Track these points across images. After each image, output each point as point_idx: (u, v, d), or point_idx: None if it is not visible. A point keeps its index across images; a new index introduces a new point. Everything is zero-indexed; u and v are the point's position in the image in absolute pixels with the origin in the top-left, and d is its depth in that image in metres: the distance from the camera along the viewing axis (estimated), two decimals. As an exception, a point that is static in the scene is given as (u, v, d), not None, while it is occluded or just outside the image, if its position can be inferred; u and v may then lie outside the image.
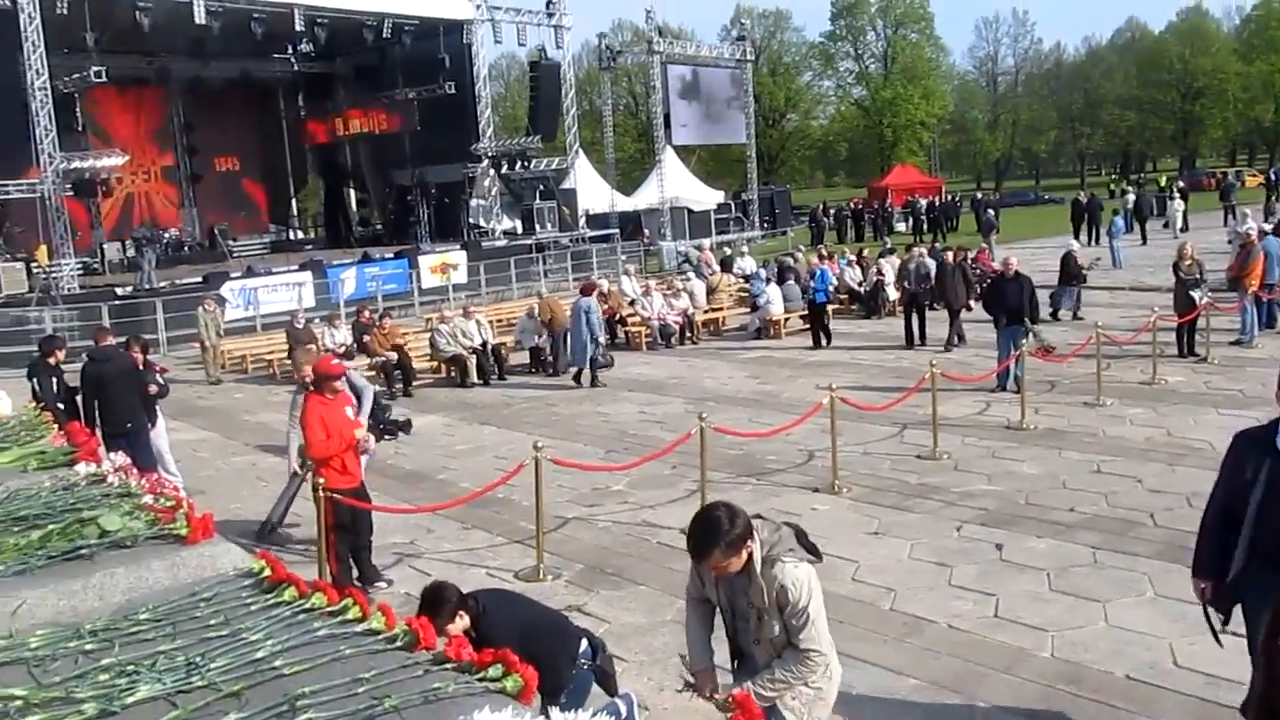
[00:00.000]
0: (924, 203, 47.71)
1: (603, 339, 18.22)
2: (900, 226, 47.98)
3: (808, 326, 21.20)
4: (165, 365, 15.48)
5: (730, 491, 10.35)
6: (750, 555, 3.93)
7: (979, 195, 57.80)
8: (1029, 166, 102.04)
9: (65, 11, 25.99)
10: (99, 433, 10.29)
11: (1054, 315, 19.69)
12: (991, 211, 37.42)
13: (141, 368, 11.51)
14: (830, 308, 22.21)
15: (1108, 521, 8.76)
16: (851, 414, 11.70)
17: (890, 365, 17.03)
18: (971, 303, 18.18)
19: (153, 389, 11.42)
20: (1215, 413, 12.24)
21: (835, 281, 23.60)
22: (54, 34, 26.26)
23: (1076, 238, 29.64)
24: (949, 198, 52.88)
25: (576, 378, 17.48)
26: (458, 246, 33.12)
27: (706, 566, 4.00)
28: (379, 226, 40.89)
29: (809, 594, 3.96)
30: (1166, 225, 36.34)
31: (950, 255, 19.31)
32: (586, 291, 18.63)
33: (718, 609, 4.24)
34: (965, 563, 8.08)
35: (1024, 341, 13.78)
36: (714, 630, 4.33)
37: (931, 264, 19.72)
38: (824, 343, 19.59)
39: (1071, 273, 20.27)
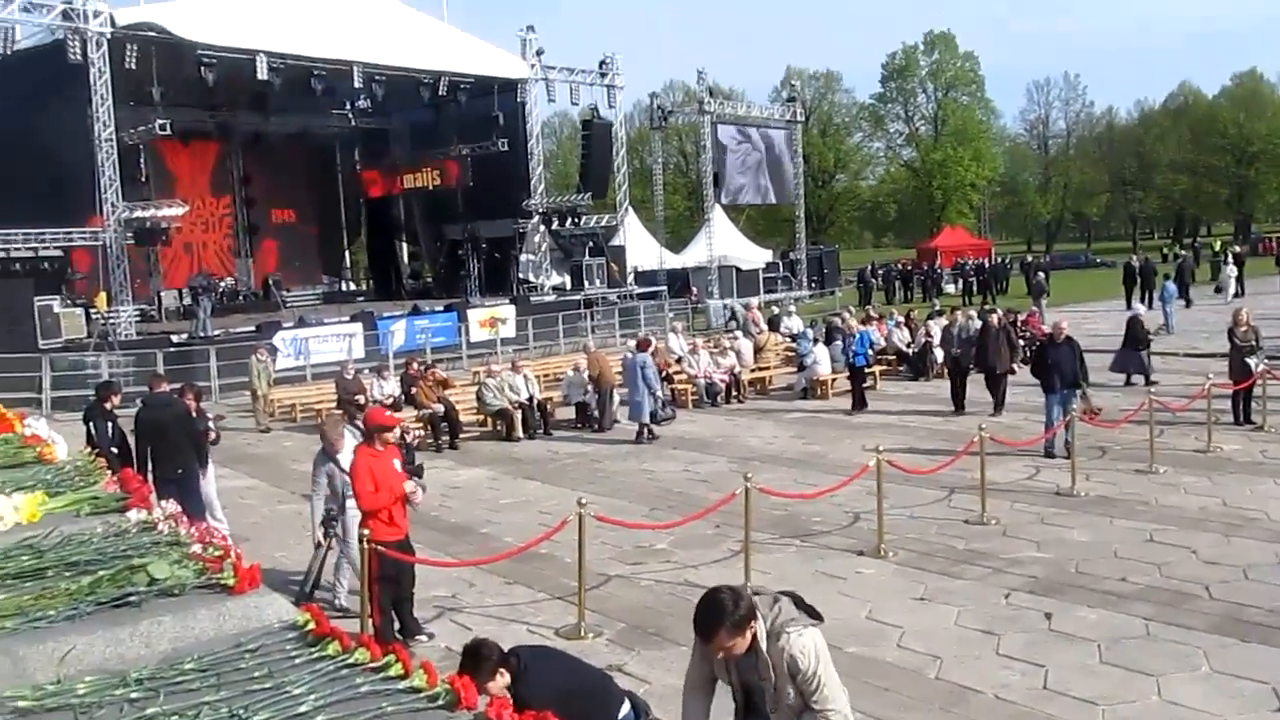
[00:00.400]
0: (973, 264, 47.50)
1: (660, 392, 18.18)
2: (949, 288, 47.76)
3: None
4: (219, 412, 15.70)
5: (775, 553, 10.28)
6: (754, 634, 4.06)
7: (1029, 258, 57.44)
8: (1080, 229, 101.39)
9: (133, 66, 26.82)
10: (150, 477, 10.45)
11: (1127, 381, 19.52)
12: (1042, 274, 37.14)
13: (194, 414, 11.68)
14: (877, 369, 22.16)
15: (1161, 593, 8.57)
16: (898, 476, 11.57)
17: (938, 428, 16.87)
18: (1016, 366, 17.87)
19: (210, 435, 11.60)
20: (1272, 482, 11.98)
21: (882, 342, 23.54)
22: (121, 87, 27.07)
23: (1130, 302, 29.37)
24: (999, 260, 52.63)
25: (639, 435, 17.30)
26: (507, 301, 33.42)
27: (713, 648, 4.13)
28: (429, 280, 41.41)
29: (817, 659, 4.10)
30: (1219, 290, 35.88)
31: (994, 318, 18.81)
32: (642, 347, 18.61)
33: (726, 687, 4.38)
34: (1013, 631, 7.92)
35: (1073, 406, 13.61)
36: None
37: (977, 326, 19.54)
38: (851, 407, 19.17)
39: (1138, 337, 19.96)
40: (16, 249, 25.58)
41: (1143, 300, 32.61)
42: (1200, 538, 9.99)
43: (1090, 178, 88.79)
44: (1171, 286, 29.29)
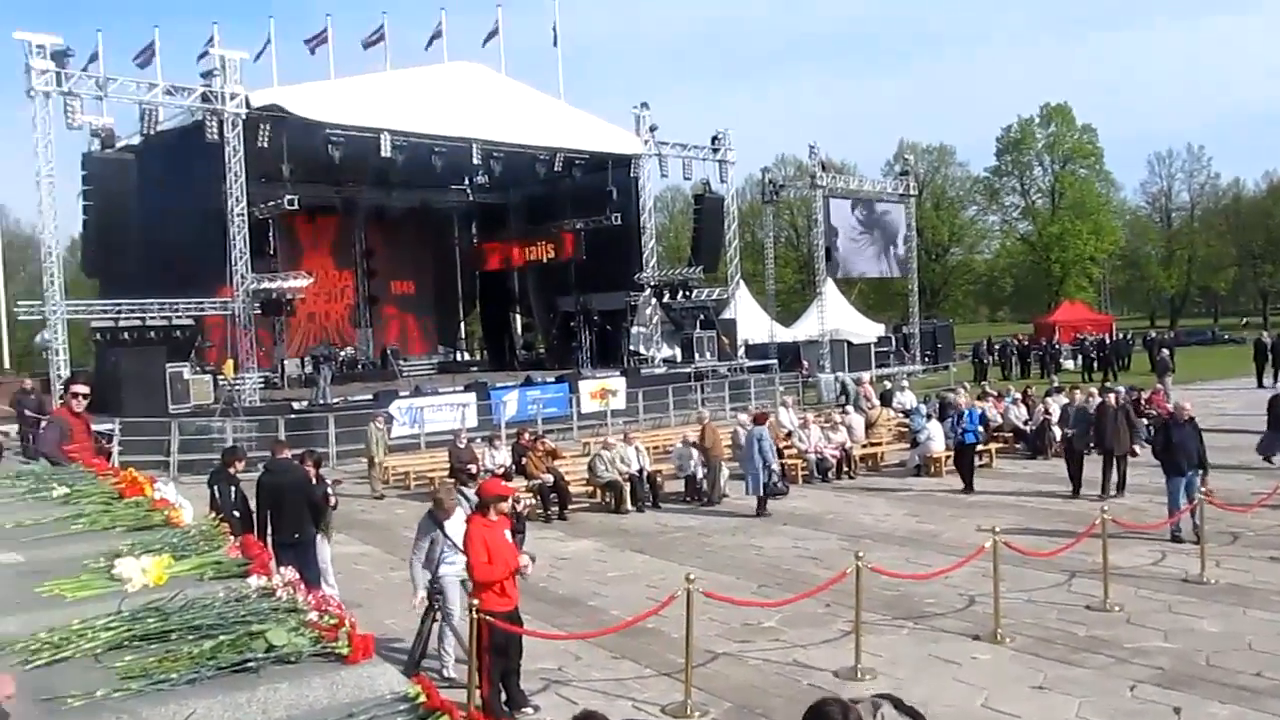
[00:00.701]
0: (1093, 340, 46.26)
1: (775, 466, 18.05)
2: (1068, 364, 46.54)
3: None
4: (336, 477, 16.07)
5: (886, 634, 10.04)
6: None
7: (1152, 333, 55.77)
8: (1206, 304, 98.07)
9: (265, 145, 28.05)
10: (269, 541, 10.73)
11: (1267, 460, 18.84)
12: (1166, 351, 36.01)
13: (314, 480, 11.97)
14: (993, 447, 21.64)
15: (1300, 689, 8.12)
16: (1015, 559, 11.24)
17: (1056, 509, 16.36)
18: (1137, 448, 17.22)
19: (330, 500, 11.90)
20: None
21: (999, 419, 23.02)
22: (253, 165, 28.31)
23: (1260, 380, 28.27)
24: (1120, 335, 51.19)
25: (760, 508, 17.26)
26: (618, 373, 33.63)
27: None
28: (542, 351, 41.95)
29: None
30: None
31: (1112, 397, 17.97)
32: (759, 420, 18.63)
33: None
34: (1139, 725, 7.58)
35: (1200, 489, 13.08)
36: None
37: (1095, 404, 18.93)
38: (963, 487, 18.57)
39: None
40: (152, 318, 26.74)
41: (1275, 378, 31.41)
42: (1342, 632, 9.46)
43: (1216, 251, 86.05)
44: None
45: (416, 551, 9.47)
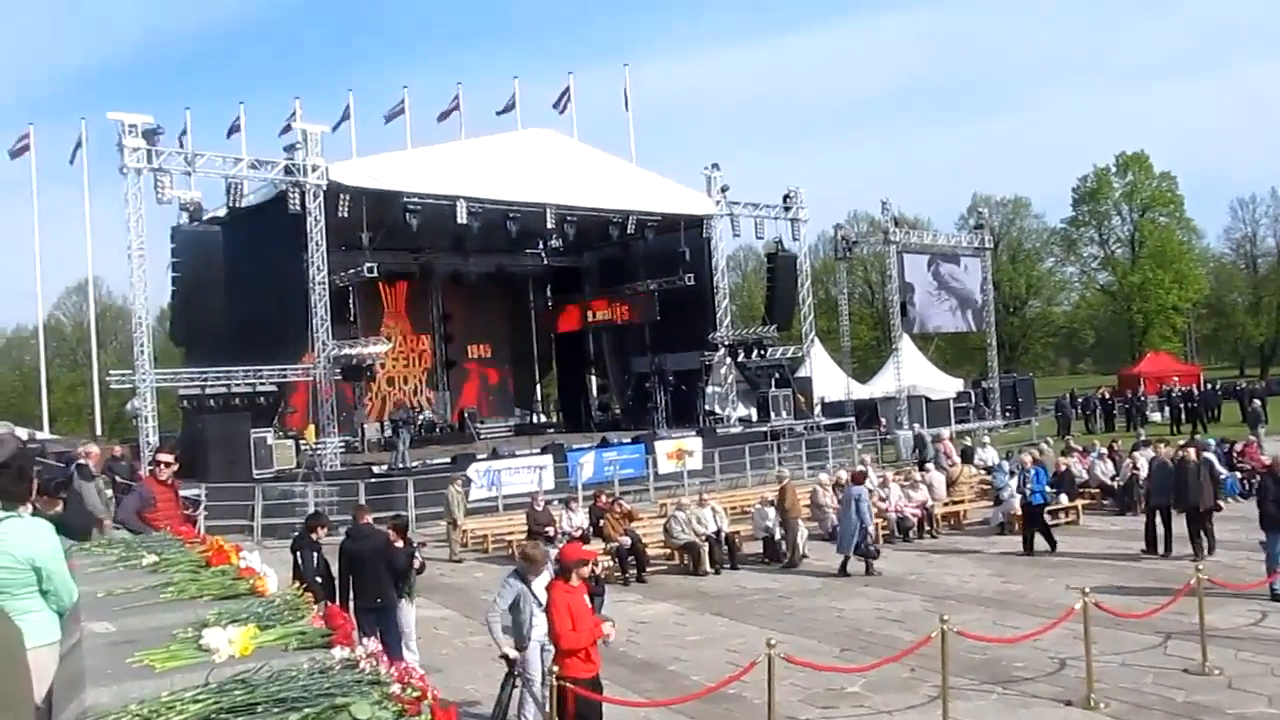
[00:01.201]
0: (1180, 391, 45.09)
1: (870, 526, 17.85)
2: (1155, 416, 45.40)
3: (1054, 522, 20.27)
4: (420, 540, 16.19)
5: (975, 700, 9.78)
6: None
7: (1242, 383, 54.18)
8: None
9: (346, 215, 28.75)
10: (351, 606, 10.83)
11: None
12: (1258, 401, 34.94)
13: (402, 544, 12.07)
14: (1079, 504, 21.14)
15: None
16: (1107, 620, 10.89)
17: (1148, 568, 15.90)
18: (1222, 503, 16.66)
19: (416, 563, 12.03)
20: None
21: (1084, 475, 22.50)
22: (334, 234, 29.00)
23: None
24: (1208, 386, 49.82)
25: (842, 567, 17.17)
26: (694, 433, 33.56)
27: None
28: (618, 412, 42.06)
29: None
30: None
31: (1192, 452, 17.10)
32: (858, 480, 18.55)
33: None
34: (1246, 797, 7.25)
35: None
36: None
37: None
38: (1048, 547, 18.15)
39: None
40: (237, 385, 27.36)
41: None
42: None
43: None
44: None
45: (493, 611, 9.26)
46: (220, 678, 3.40)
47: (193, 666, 3.66)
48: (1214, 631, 10.90)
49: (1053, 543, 18.21)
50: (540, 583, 9.16)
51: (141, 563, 6.14)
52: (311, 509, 24.41)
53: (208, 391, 27.18)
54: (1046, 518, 18.92)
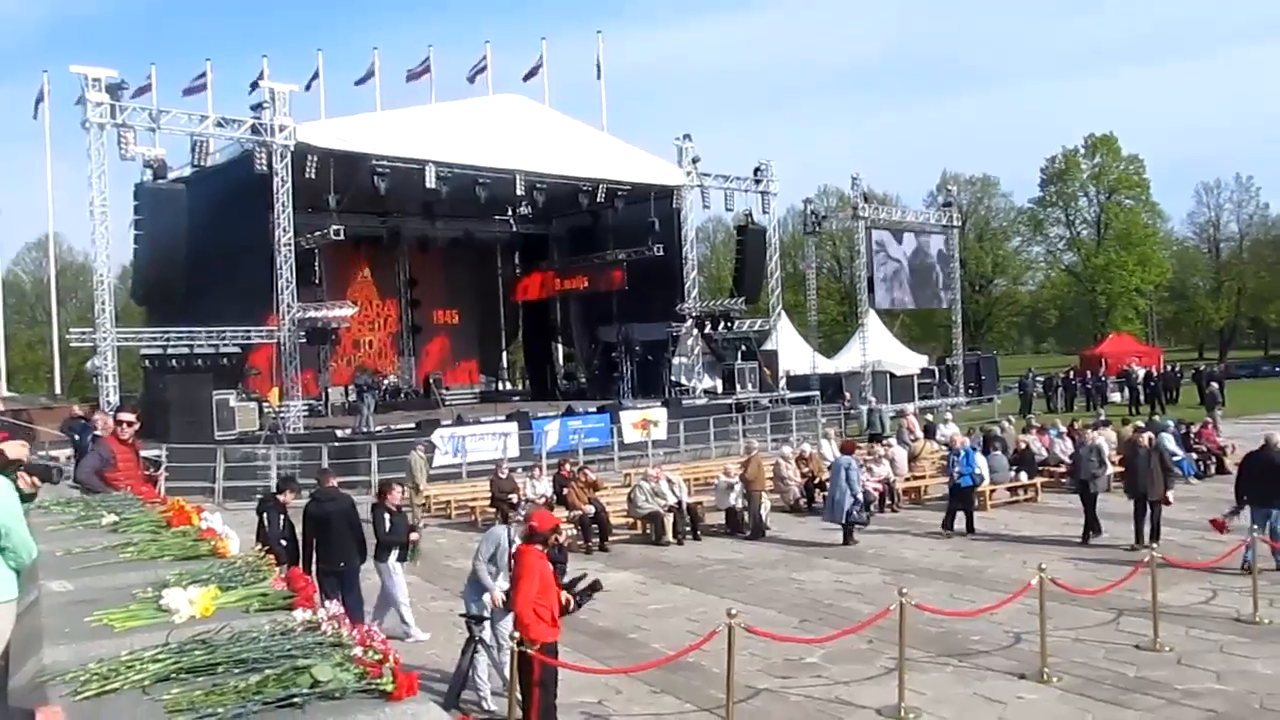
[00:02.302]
0: (1141, 372, 45.61)
1: (860, 495, 18.06)
2: (1115, 397, 45.94)
3: (1013, 499, 20.49)
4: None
5: (931, 672, 9.91)
6: None
7: (1201, 366, 54.93)
8: (1257, 336, 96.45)
9: (313, 176, 28.47)
10: (314, 570, 10.83)
11: None
12: (1215, 384, 35.43)
13: (397, 511, 12.28)
14: (1038, 481, 21.36)
15: (1358, 735, 7.91)
16: (1062, 596, 11.05)
17: (1103, 544, 16.10)
18: (1170, 495, 15.92)
19: (414, 536, 12.68)
20: None
21: (1044, 453, 22.71)
22: (301, 196, 28.72)
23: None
24: (1168, 368, 50.45)
25: (846, 536, 17.40)
26: (659, 403, 33.62)
27: None
28: (583, 381, 42.07)
29: None
30: None
31: (1144, 438, 16.32)
32: (847, 450, 19.01)
33: None
34: (1192, 770, 7.41)
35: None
36: None
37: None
38: (966, 529, 17.80)
39: None
40: (200, 346, 27.10)
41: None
42: (1402, 676, 9.22)
43: (1266, 282, 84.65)
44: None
45: (480, 558, 9.58)
46: (180, 638, 3.39)
47: (152, 627, 3.64)
48: (1165, 609, 11.08)
49: (971, 528, 17.89)
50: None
51: (101, 522, 6.11)
52: (274, 472, 24.38)
53: (170, 352, 26.93)
54: (1007, 493, 19.09)
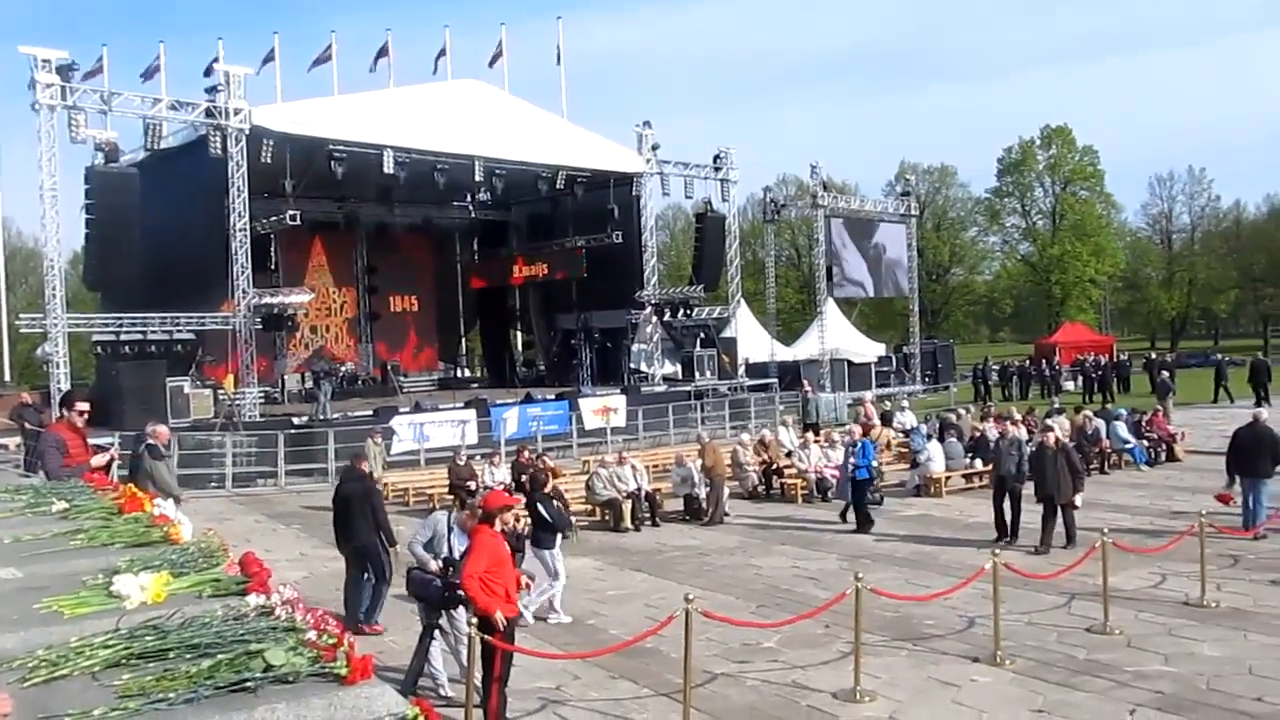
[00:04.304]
0: (1094, 361, 46.21)
1: (874, 479, 18.55)
2: (1069, 385, 46.53)
3: (968, 485, 20.68)
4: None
5: (886, 656, 10.01)
6: None
7: (1153, 355, 55.73)
8: (1208, 326, 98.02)
9: (269, 160, 28.15)
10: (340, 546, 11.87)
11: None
12: (1166, 373, 35.91)
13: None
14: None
15: (1301, 715, 8.08)
16: (1016, 580, 11.20)
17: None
18: (1078, 499, 15.16)
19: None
20: None
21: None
22: (256, 180, 28.39)
23: (1259, 401, 28.34)
24: (1121, 357, 51.12)
25: (845, 514, 17.85)
26: (618, 391, 33.61)
27: None
28: (542, 368, 41.97)
29: None
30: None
31: (1051, 437, 15.51)
32: (866, 432, 19.51)
33: None
34: (1140, 750, 7.54)
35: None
36: None
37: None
38: (865, 527, 17.12)
39: None
40: (153, 332, 26.75)
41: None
42: (1344, 657, 9.43)
43: (1217, 274, 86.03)
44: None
45: (415, 542, 9.86)
46: (131, 624, 3.36)
47: (103, 613, 3.60)
48: (1116, 593, 11.26)
49: (865, 525, 17.24)
50: (459, 539, 9.26)
51: (51, 509, 6.02)
52: (229, 459, 24.18)
53: (123, 338, 26.57)
54: (962, 480, 19.28)
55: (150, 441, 13.00)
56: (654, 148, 36.82)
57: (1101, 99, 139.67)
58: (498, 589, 7.99)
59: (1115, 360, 48.45)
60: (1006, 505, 15.81)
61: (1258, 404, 27.92)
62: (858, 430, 19.03)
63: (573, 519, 14.25)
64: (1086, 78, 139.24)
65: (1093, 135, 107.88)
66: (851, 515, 17.59)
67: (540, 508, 12.48)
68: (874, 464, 18.37)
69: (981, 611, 10.77)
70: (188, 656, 3.10)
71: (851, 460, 17.60)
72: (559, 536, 12.61)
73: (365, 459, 13.58)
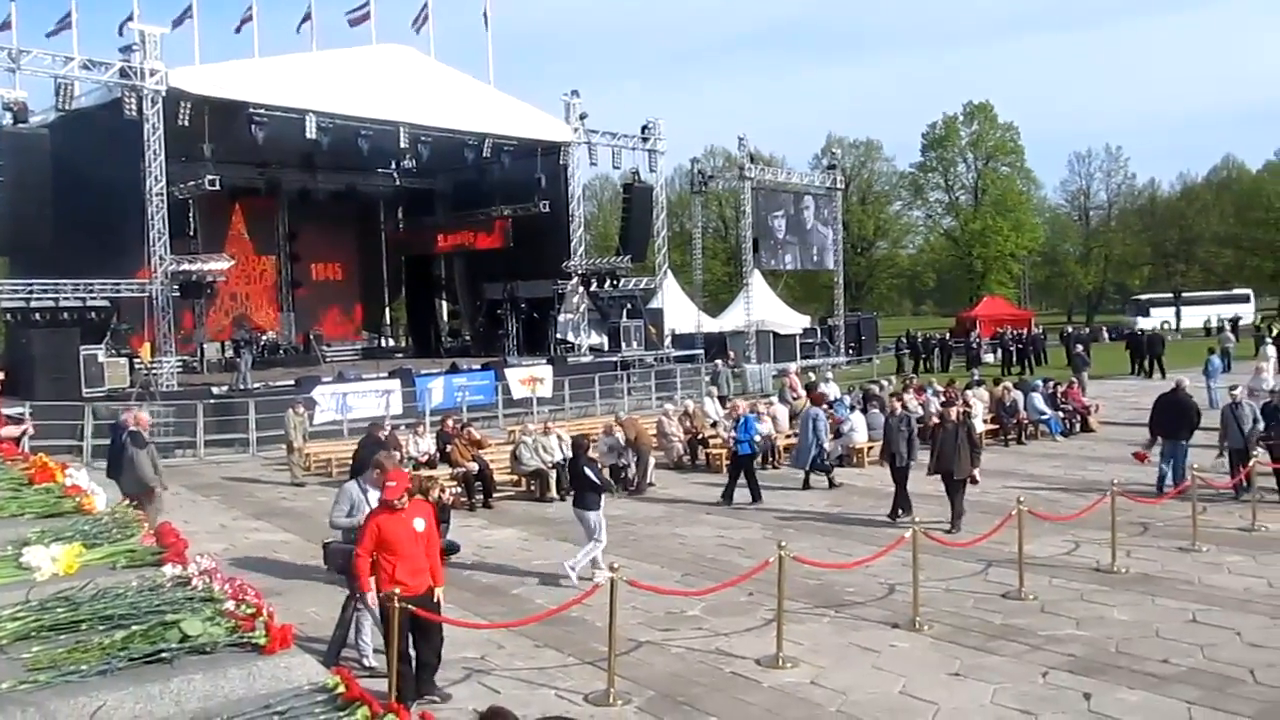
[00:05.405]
0: (1013, 334, 47.15)
1: (827, 443, 19.12)
2: (988, 358, 47.41)
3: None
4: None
5: (808, 623, 10.15)
6: None
7: (1069, 329, 57.00)
8: (1122, 300, 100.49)
9: (186, 123, 27.43)
10: None
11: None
12: (1082, 346, 36.76)
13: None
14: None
15: (1204, 676, 8.36)
16: (935, 549, 11.42)
17: (975, 499, 16.62)
18: (977, 474, 14.98)
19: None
20: (1320, 565, 11.72)
21: (920, 411, 23.32)
22: (174, 143, 27.65)
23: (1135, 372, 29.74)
24: (1039, 331, 52.22)
25: (805, 482, 18.54)
26: (544, 361, 33.51)
27: None
28: (468, 338, 41.72)
29: None
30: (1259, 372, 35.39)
31: (952, 412, 15.31)
32: (817, 401, 20.64)
33: None
34: (1051, 711, 7.75)
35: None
36: None
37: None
38: (753, 499, 17.03)
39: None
40: (66, 298, 26.00)
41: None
42: (1245, 619, 9.77)
43: (1132, 250, 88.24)
44: (1216, 361, 28.77)
45: (336, 512, 9.73)
46: (42, 595, 3.29)
47: (12, 585, 3.52)
48: (1031, 560, 11.53)
49: (756, 496, 17.22)
50: (376, 496, 9.13)
51: (-43, 479, 5.85)
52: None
53: (33, 304, 25.75)
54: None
55: (133, 428, 12.65)
56: (582, 117, 36.61)
57: (1023, 77, 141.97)
58: (388, 567, 7.95)
59: (1033, 334, 49.46)
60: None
61: (1157, 375, 29.11)
62: (743, 405, 20.37)
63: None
64: (1008, 55, 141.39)
65: (1014, 112, 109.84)
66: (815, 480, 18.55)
67: (587, 470, 12.71)
68: (755, 438, 17.97)
69: (901, 579, 10.96)
70: (101, 628, 3.04)
71: (733, 434, 18.00)
72: (602, 498, 12.79)
73: (381, 426, 13.81)
